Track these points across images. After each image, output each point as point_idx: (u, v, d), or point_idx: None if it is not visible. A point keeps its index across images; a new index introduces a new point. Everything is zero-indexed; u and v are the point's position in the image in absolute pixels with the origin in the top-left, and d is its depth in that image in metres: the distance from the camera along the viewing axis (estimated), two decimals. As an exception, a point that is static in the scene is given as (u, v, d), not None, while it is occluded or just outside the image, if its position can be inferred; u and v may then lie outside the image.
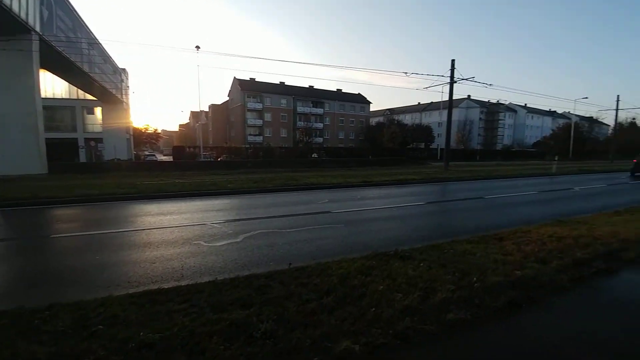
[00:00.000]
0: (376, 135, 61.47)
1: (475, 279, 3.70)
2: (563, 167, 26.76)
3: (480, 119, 75.96)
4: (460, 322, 2.92)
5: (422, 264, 4.16)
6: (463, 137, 71.52)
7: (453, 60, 23.05)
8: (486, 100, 76.81)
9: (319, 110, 66.32)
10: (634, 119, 72.38)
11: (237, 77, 63.23)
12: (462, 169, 24.42)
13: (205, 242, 5.80)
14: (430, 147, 61.76)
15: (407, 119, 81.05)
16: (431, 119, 79.82)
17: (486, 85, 33.79)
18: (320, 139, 63.56)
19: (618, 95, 44.03)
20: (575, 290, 3.72)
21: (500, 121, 76.45)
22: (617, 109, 45.07)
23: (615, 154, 50.69)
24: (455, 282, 3.61)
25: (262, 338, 2.57)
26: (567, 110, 65.17)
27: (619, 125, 59.38)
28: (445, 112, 24.64)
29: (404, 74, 22.20)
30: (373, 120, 74.45)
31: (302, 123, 59.76)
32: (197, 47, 28.57)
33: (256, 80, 61.40)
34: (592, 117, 67.72)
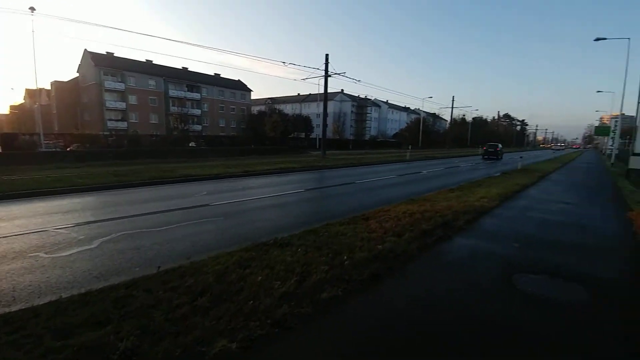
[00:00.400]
0: (258, 124, 60.95)
1: (345, 257, 4.06)
2: (415, 155, 32.15)
3: (352, 112, 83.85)
4: (333, 299, 3.15)
5: (299, 250, 4.31)
6: (338, 128, 77.90)
7: (327, 55, 24.58)
8: (357, 95, 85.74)
9: (196, 95, 61.07)
10: (464, 115, 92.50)
11: (89, 49, 52.24)
12: (337, 157, 26.57)
13: (46, 253, 4.65)
14: (310, 137, 64.96)
15: (288, 108, 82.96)
16: (310, 109, 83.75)
17: (355, 81, 37.56)
18: (198, 127, 58.99)
19: (453, 96, 55.03)
20: (422, 256, 4.50)
21: (368, 114, 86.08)
22: (452, 107, 56.44)
23: (451, 143, 63.58)
24: (328, 263, 3.87)
25: (121, 359, 2.21)
26: (417, 107, 78.16)
27: (453, 121, 75.57)
28: (322, 104, 26.16)
29: (282, 64, 22.44)
30: (255, 109, 73.38)
31: (177, 108, 53.79)
32: (32, 8, 22.33)
33: (115, 55, 52.13)
34: (435, 113, 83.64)
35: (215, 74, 67.43)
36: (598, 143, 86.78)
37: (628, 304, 3.38)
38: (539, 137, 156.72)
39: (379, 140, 73.46)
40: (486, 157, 30.08)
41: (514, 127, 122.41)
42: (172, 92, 57.77)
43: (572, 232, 5.95)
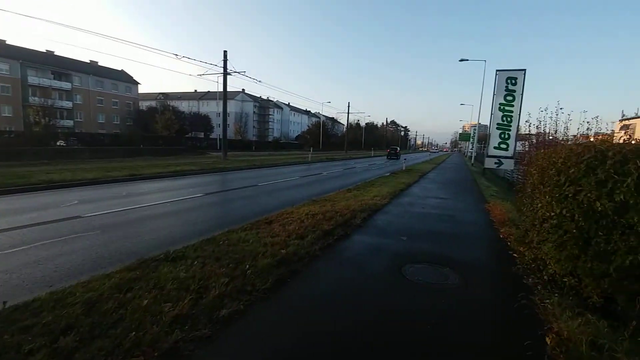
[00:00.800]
0: (148, 121, 54.64)
1: (248, 265, 3.85)
2: (316, 157, 33.45)
3: (254, 112, 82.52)
4: (235, 314, 2.93)
5: (196, 262, 3.92)
6: (240, 129, 75.79)
7: (225, 52, 23.56)
8: (258, 95, 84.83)
9: (65, 85, 50.84)
10: (358, 121, 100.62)
11: None
12: (239, 158, 25.72)
13: None
14: (210, 137, 61.48)
15: (184, 106, 76.72)
16: (209, 108, 79.26)
17: (256, 81, 37.04)
18: (69, 122, 49.49)
19: (349, 102, 59.15)
20: (325, 256, 4.60)
21: (270, 116, 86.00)
22: (348, 112, 60.56)
23: (348, 146, 68.20)
24: (229, 274, 3.61)
25: None
26: (317, 111, 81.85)
27: (349, 125, 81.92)
28: (222, 103, 24.92)
29: (174, 56, 20.55)
30: (144, 104, 65.53)
31: (39, 99, 43.57)
32: None
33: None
34: (333, 117, 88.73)
35: (91, 61, 57.65)
36: (462, 147, 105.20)
37: (490, 282, 4.08)
38: (419, 142, 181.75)
39: (282, 142, 74.05)
40: (389, 157, 35.25)
41: (399, 133, 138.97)
42: (33, 80, 47.05)
43: (446, 222, 6.96)
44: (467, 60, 29.18)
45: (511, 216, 7.18)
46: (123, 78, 61.79)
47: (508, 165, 18.17)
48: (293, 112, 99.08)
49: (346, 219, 6.50)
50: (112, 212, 7.19)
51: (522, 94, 17.63)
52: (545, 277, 3.92)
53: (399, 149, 38.52)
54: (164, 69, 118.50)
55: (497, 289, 3.87)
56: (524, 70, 17.68)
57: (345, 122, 65.39)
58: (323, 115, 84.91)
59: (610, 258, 3.00)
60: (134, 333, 2.53)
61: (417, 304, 3.32)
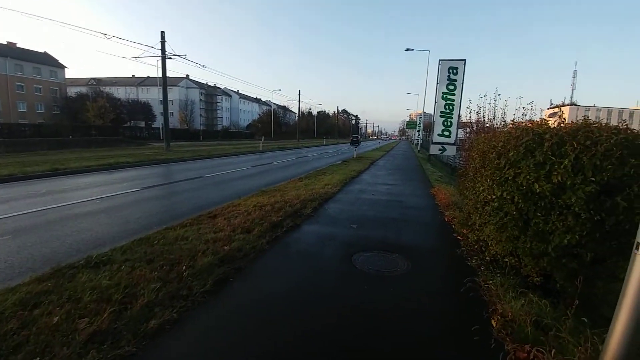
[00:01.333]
0: (79, 109, 49.23)
1: (184, 267, 3.47)
2: (267, 146, 32.70)
3: (200, 100, 78.29)
4: (166, 325, 2.57)
5: (123, 267, 3.43)
6: (186, 117, 71.55)
7: (163, 32, 21.61)
8: (205, 82, 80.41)
9: (-29, 68, 43.90)
10: (310, 109, 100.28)
11: None
12: (184, 149, 24.20)
13: None
14: (153, 126, 57.24)
15: (121, 92, 70.42)
16: (150, 95, 73.70)
17: (200, 65, 34.69)
18: (-22, 112, 42.87)
19: (299, 90, 58.37)
20: (272, 250, 4.34)
21: (218, 104, 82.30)
22: (299, 101, 59.92)
23: (300, 134, 67.76)
24: (162, 278, 3.20)
25: None
26: (268, 99, 79.75)
27: (301, 114, 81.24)
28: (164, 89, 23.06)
29: (102, 35, 18.41)
30: (72, 90, 58.77)
31: None
32: None
33: None
34: (285, 106, 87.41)
35: (8, 42, 50.11)
36: (409, 135, 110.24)
37: (437, 266, 4.13)
38: (369, 130, 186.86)
39: (231, 131, 71.35)
40: (352, 143, 36.87)
41: (350, 121, 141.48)
42: None
43: (394, 208, 7.06)
44: (413, 50, 30.28)
45: (454, 199, 7.49)
46: (47, 61, 54.75)
47: (451, 151, 19.21)
48: (243, 100, 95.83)
49: (296, 209, 6.28)
50: (28, 213, 6.21)
51: (462, 83, 18.60)
52: (488, 258, 4.05)
53: (359, 137, 40.87)
54: (98, 51, 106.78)
55: (443, 273, 3.93)
56: (464, 60, 18.62)
57: (296, 110, 64.68)
58: (274, 104, 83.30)
59: (549, 238, 3.13)
60: (38, 358, 2.09)
61: (368, 295, 3.22)
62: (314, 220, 5.86)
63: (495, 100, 6.50)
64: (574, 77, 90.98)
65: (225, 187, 9.67)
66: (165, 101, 23.09)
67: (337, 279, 3.57)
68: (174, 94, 76.73)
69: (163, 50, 20.99)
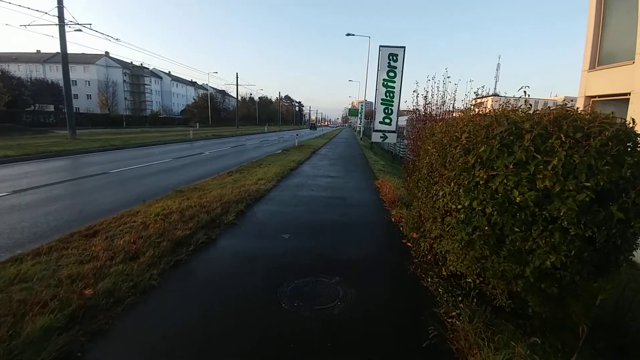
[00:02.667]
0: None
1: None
2: (201, 133, 29.98)
3: (124, 81, 69.97)
4: None
5: None
6: (107, 101, 63.39)
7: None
8: (129, 61, 71.73)
9: None
10: (251, 94, 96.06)
11: None
12: (96, 137, 20.73)
13: None
14: (65, 110, 49.53)
15: (22, 70, 59.72)
16: (61, 74, 63.76)
17: (111, 39, 30.26)
18: None
19: (237, 73, 54.99)
20: (166, 285, 3.08)
21: (146, 86, 74.38)
22: (237, 85, 56.44)
23: (241, 121, 64.43)
24: None
25: None
26: (205, 83, 73.99)
27: (242, 99, 76.98)
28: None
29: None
30: (-50, 67, 48.06)
31: None
32: None
33: None
34: (224, 90, 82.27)
35: None
36: (351, 122, 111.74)
37: (387, 294, 3.24)
38: (313, 117, 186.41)
39: (162, 116, 65.09)
40: (311, 128, 35.46)
41: (294, 107, 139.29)
42: None
43: (336, 207, 6.14)
44: (354, 35, 29.71)
45: (400, 193, 6.82)
46: None
47: (392, 138, 19.11)
48: (176, 83, 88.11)
49: (214, 215, 5.00)
50: None
51: (402, 71, 18.44)
52: (444, 274, 3.29)
53: (315, 123, 40.32)
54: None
55: (397, 306, 3.02)
56: (404, 47, 18.41)
57: (237, 96, 61.03)
58: (212, 88, 77.88)
59: (527, 259, 2.38)
60: None
61: (296, 346, 2.19)
62: (236, 231, 4.65)
63: (444, 84, 5.81)
64: (497, 70, 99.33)
65: (131, 187, 7.85)
66: (66, 78, 19.38)
67: (253, 332, 2.47)
68: (91, 73, 67.36)
69: (61, 17, 17.23)
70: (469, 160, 2.58)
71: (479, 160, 2.50)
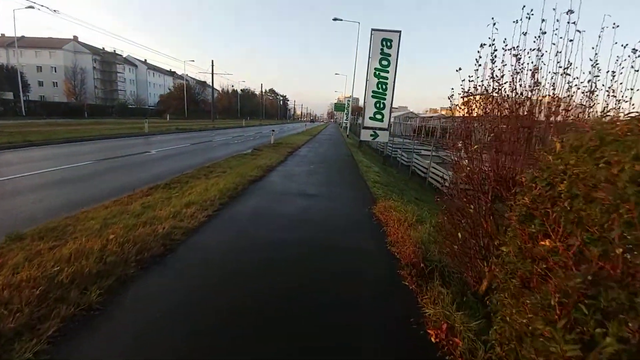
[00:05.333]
0: None
1: None
2: (163, 126, 26.21)
3: (95, 68, 64.57)
4: None
5: None
6: (75, 89, 57.98)
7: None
8: (100, 47, 66.18)
9: None
10: (233, 86, 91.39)
11: None
12: (10, 130, 16.40)
13: None
14: (30, 99, 45.15)
15: (-20, 55, 53.94)
16: (26, 59, 58.59)
17: (51, 12, 26.76)
18: None
19: (212, 60, 50.83)
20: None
21: (119, 74, 68.94)
22: (212, 73, 52.20)
23: (222, 114, 60.24)
24: None
25: None
26: (185, 72, 69.14)
27: (223, 91, 72.42)
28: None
29: None
30: None
31: None
32: None
33: None
34: (204, 81, 77.44)
35: None
36: (337, 118, 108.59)
37: None
38: (298, 112, 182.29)
39: (132, 107, 60.02)
40: (311, 122, 33.06)
41: (278, 101, 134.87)
42: None
43: (311, 288, 3.09)
44: (341, 20, 26.60)
45: (423, 238, 3.85)
46: None
47: (383, 137, 16.19)
48: (152, 72, 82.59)
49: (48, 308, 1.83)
50: None
51: (397, 60, 15.55)
52: None
53: (313, 118, 37.12)
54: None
55: None
56: (399, 32, 15.45)
57: (218, 86, 56.75)
58: (190, 78, 73.15)
59: None
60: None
61: None
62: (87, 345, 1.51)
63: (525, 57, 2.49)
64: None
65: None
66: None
67: None
68: (57, 59, 61.66)
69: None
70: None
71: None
